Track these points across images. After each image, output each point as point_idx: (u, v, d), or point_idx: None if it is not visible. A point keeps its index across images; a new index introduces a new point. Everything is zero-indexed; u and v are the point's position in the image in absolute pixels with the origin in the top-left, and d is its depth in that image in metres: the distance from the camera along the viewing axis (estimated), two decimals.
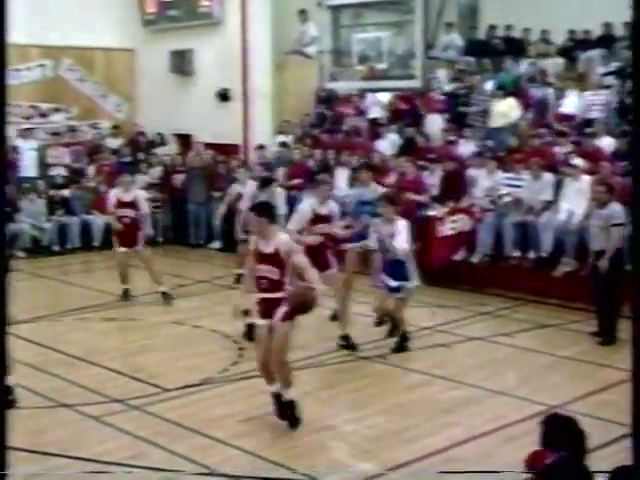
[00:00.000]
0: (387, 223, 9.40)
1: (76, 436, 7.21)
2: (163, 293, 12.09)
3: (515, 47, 17.00)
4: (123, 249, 12.19)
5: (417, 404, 8.08)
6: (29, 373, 8.85)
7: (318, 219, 9.46)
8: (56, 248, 16.11)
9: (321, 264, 8.88)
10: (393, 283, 9.43)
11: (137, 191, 12.64)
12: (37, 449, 6.84)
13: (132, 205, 12.23)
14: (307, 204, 9.61)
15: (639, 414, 3.56)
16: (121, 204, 12.24)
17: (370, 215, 9.88)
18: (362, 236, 9.84)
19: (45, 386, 8.44)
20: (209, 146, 17.35)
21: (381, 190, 10.29)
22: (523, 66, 16.30)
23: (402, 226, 9.37)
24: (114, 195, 12.40)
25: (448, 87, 16.68)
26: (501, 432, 7.19)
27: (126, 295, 12.21)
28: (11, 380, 7.86)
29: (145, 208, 12.44)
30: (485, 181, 13.44)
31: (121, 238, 12.26)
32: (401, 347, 9.64)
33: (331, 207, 9.64)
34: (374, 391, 8.61)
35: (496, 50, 17.19)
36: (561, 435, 4.39)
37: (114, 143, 18.65)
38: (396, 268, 9.43)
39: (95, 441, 7.08)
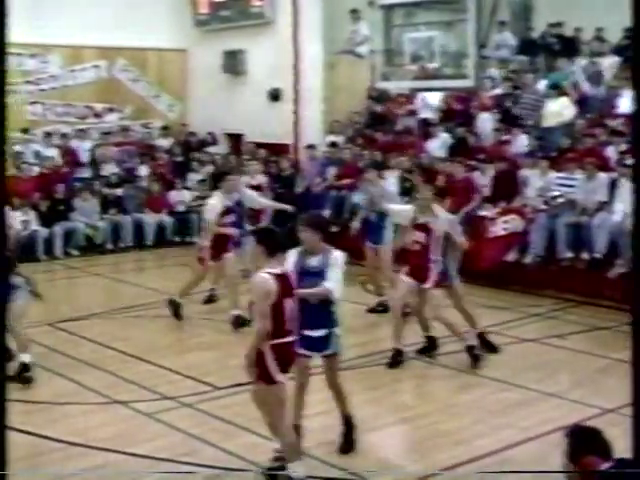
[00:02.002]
0: (312, 255, 6.69)
1: (129, 432, 7.29)
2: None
3: (569, 46, 16.80)
4: None
5: (468, 405, 8.02)
6: (83, 369, 8.99)
7: None
8: (109, 246, 16.31)
9: None
10: (315, 333, 6.68)
11: None
12: (91, 444, 6.94)
13: None
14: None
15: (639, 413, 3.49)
16: None
17: None
18: None
19: (99, 383, 8.54)
20: (260, 145, 17.43)
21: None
22: (577, 65, 16.11)
23: (335, 259, 6.66)
24: None
25: (500, 86, 16.55)
26: (554, 435, 7.10)
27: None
28: (26, 358, 8.43)
29: None
30: (537, 181, 13.31)
31: None
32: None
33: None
34: (424, 392, 8.60)
35: (550, 49, 17.01)
36: (587, 447, 4.33)
37: (165, 143, 18.87)
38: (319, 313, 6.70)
39: (148, 438, 7.15)
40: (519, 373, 8.89)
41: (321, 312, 6.68)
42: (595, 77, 15.46)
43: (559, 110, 14.72)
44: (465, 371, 8.97)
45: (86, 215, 16.16)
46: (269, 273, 5.97)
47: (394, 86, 18.10)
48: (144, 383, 8.42)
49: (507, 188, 13.49)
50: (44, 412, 7.79)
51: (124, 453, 6.80)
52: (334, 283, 6.58)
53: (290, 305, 6.07)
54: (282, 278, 6.04)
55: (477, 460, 6.70)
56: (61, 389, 8.39)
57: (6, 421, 3.42)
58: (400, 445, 7.29)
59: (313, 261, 6.66)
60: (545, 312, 11.53)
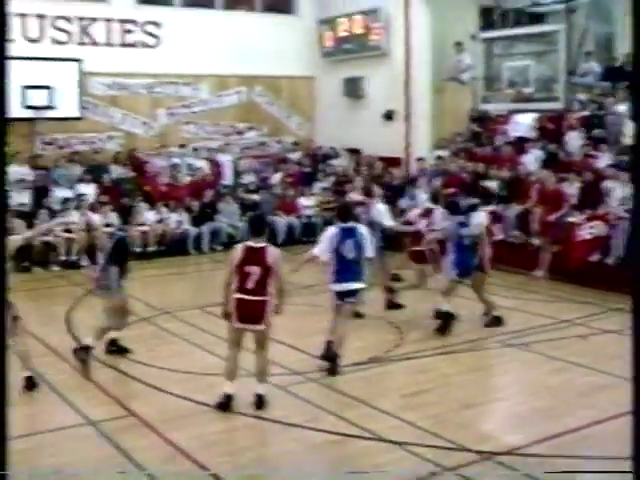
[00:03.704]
0: None
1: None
2: None
3: None
4: None
5: (558, 387, 7.86)
6: (225, 347, 9.15)
7: None
8: None
9: None
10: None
11: None
12: (232, 410, 7.13)
13: None
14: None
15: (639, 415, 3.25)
16: None
17: None
18: None
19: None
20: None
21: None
22: None
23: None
24: None
25: (587, 108, 16.13)
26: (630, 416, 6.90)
27: None
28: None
29: None
30: (620, 191, 12.90)
31: None
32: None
33: None
34: (520, 375, 8.47)
35: (629, 76, 16.43)
36: None
37: (295, 156, 19.15)
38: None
39: (279, 406, 7.28)
40: (602, 360, 8.64)
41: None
42: None
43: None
44: (554, 357, 8.79)
45: (228, 217, 16.52)
46: (245, 245, 7.19)
47: (493, 108, 17.81)
48: (277, 360, 8.46)
49: (593, 197, 13.14)
50: (192, 381, 8.01)
51: (261, 418, 6.97)
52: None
53: (253, 271, 7.04)
54: (253, 250, 7.14)
55: (564, 435, 6.58)
56: (208, 362, 8.59)
57: (6, 421, 3.22)
58: (498, 420, 7.20)
59: None
60: (625, 307, 11.12)
